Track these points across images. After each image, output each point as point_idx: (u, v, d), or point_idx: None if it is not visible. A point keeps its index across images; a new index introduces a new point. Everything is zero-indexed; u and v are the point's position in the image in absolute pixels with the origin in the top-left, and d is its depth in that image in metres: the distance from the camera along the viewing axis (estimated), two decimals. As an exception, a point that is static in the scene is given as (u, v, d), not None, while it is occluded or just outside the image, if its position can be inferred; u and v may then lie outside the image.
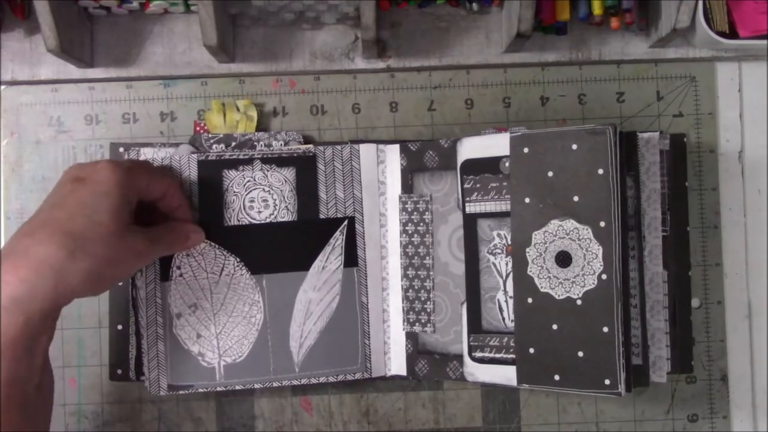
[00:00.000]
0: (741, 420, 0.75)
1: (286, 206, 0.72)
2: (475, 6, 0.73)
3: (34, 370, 0.57)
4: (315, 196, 0.73)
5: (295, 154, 0.72)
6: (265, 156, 0.72)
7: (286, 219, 0.72)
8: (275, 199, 0.72)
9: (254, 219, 0.72)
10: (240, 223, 0.71)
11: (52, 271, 0.55)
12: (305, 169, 0.73)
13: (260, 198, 0.72)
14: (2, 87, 0.75)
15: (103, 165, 0.60)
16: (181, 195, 0.68)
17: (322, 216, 0.73)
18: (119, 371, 0.73)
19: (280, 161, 0.72)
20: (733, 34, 0.71)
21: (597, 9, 0.71)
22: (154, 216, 0.68)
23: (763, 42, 0.71)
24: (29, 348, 0.56)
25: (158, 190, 0.65)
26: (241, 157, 0.72)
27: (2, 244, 0.74)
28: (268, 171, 0.72)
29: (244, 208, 0.72)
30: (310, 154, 0.73)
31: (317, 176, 0.73)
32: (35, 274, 0.55)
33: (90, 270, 0.57)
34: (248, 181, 0.72)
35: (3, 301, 0.54)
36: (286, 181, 0.72)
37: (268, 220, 0.72)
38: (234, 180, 0.71)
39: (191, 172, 0.71)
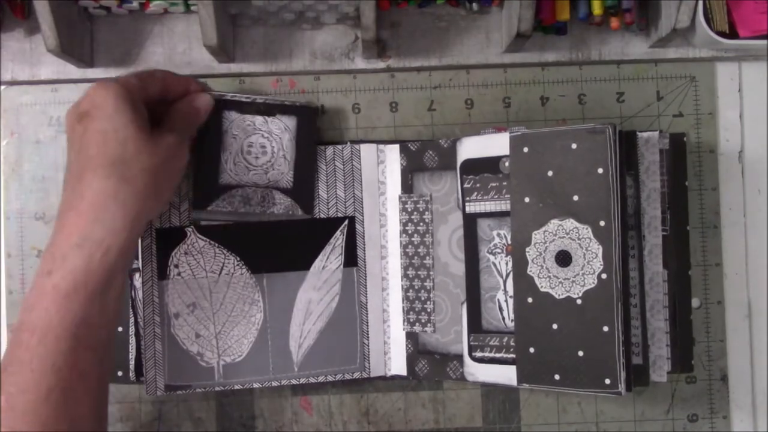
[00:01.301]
0: (741, 420, 0.75)
1: (284, 155, 0.72)
2: (475, 6, 0.73)
3: (107, 313, 0.58)
4: (313, 149, 0.73)
5: (297, 104, 0.72)
6: (267, 101, 0.72)
7: (282, 169, 0.72)
8: (273, 147, 0.72)
9: (251, 164, 0.71)
10: (237, 166, 0.71)
11: (115, 201, 0.57)
12: (306, 120, 0.72)
13: (259, 144, 0.71)
14: (2, 87, 0.75)
15: (95, 91, 0.59)
16: (197, 85, 0.68)
17: (322, 215, 0.73)
18: (120, 374, 0.73)
19: (282, 108, 0.72)
20: (733, 34, 0.71)
21: (597, 9, 0.71)
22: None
23: (763, 42, 0.71)
24: (104, 289, 0.57)
25: (178, 89, 0.66)
26: (243, 99, 0.71)
27: (3, 244, 0.74)
28: (269, 117, 0.71)
29: (242, 153, 0.71)
30: (313, 105, 0.73)
31: (316, 130, 0.74)
32: (101, 210, 0.56)
33: (145, 185, 0.58)
34: (248, 125, 0.71)
35: (75, 240, 0.56)
36: (286, 129, 0.72)
37: (264, 167, 0.71)
38: (234, 122, 0.71)
39: None
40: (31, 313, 0.55)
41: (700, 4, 0.69)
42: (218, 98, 0.70)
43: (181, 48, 0.74)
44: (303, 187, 0.72)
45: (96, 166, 0.57)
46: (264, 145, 0.71)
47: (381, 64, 0.75)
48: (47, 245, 0.57)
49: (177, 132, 0.63)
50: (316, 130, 0.73)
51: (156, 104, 0.64)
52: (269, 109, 0.71)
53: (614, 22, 0.72)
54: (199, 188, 0.71)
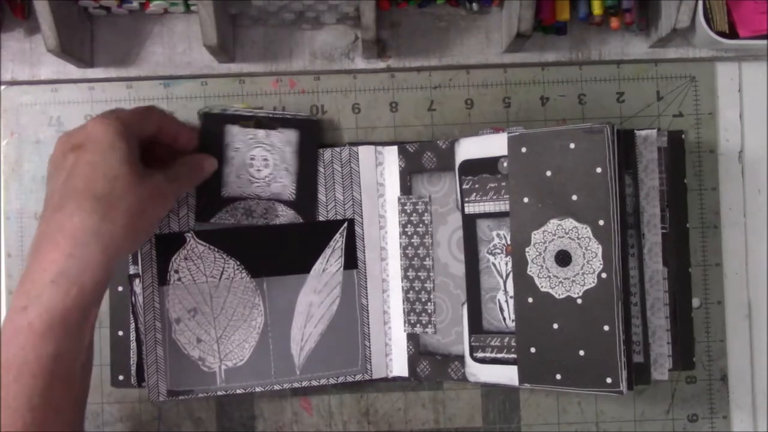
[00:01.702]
0: (741, 420, 0.75)
1: (286, 168, 0.72)
2: (475, 6, 0.74)
3: (81, 346, 0.57)
4: (315, 162, 0.73)
5: (298, 117, 0.73)
6: (269, 115, 0.72)
7: (284, 181, 0.72)
8: (275, 159, 0.72)
9: (253, 177, 0.71)
10: (240, 179, 0.71)
11: (95, 238, 0.56)
12: (308, 133, 0.73)
13: (261, 156, 0.72)
14: (2, 87, 0.75)
15: (93, 124, 0.59)
16: (190, 130, 0.69)
17: (321, 218, 0.73)
18: (121, 377, 0.73)
19: (283, 122, 0.72)
20: (733, 34, 0.71)
21: (597, 9, 0.71)
22: (157, 160, 0.67)
23: (763, 42, 0.71)
24: (80, 323, 0.56)
25: (170, 133, 0.66)
26: (244, 113, 0.71)
27: (3, 244, 0.74)
28: (270, 130, 0.72)
29: (245, 166, 0.71)
30: (314, 119, 0.73)
31: (318, 144, 0.73)
32: (79, 245, 0.56)
33: (127, 225, 0.58)
34: (250, 138, 0.71)
35: (52, 276, 0.55)
36: (288, 142, 0.72)
37: (266, 180, 0.72)
38: (236, 136, 0.71)
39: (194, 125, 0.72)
40: (7, 350, 0.55)
41: (700, 4, 0.69)
42: (220, 113, 0.71)
43: (181, 48, 0.74)
44: (305, 199, 0.73)
45: (81, 199, 0.56)
46: (266, 157, 0.72)
47: (381, 64, 0.75)
48: (22, 276, 0.57)
49: (175, 182, 0.64)
50: (317, 143, 0.73)
51: (147, 143, 0.64)
52: (271, 123, 0.72)
53: (614, 22, 0.72)
54: (201, 201, 0.71)
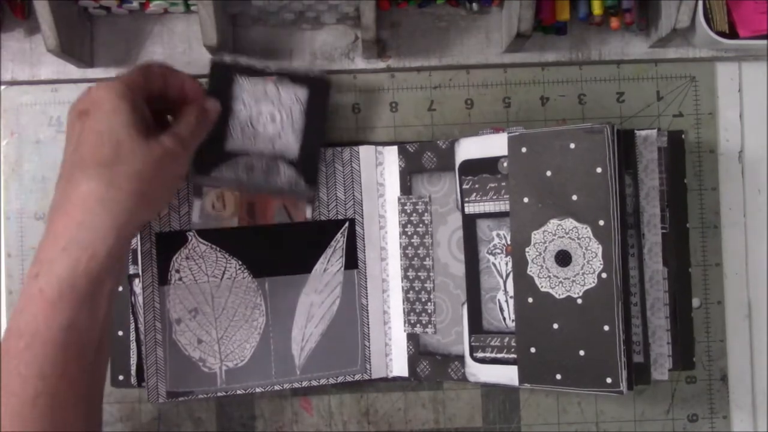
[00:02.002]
0: (741, 420, 0.75)
1: (293, 126, 0.70)
2: (475, 6, 0.74)
3: (96, 318, 0.57)
4: (322, 122, 0.72)
5: (310, 74, 0.71)
6: (281, 70, 0.70)
7: (289, 140, 0.70)
8: (283, 116, 0.70)
9: (258, 132, 0.70)
10: (244, 134, 0.70)
11: (101, 205, 0.55)
12: (318, 93, 0.71)
13: (268, 112, 0.70)
14: (2, 87, 0.75)
15: (97, 89, 0.58)
16: (194, 79, 0.66)
17: (323, 218, 0.73)
18: (121, 377, 0.73)
19: (293, 77, 0.70)
20: (733, 34, 0.71)
21: (597, 9, 0.71)
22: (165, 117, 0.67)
23: (763, 42, 0.71)
24: (92, 293, 0.56)
25: (176, 86, 0.64)
26: (256, 65, 0.70)
27: (3, 244, 0.74)
28: (280, 85, 0.70)
29: (250, 120, 0.70)
30: (326, 77, 0.71)
31: (328, 104, 0.72)
32: (87, 213, 0.55)
33: (135, 190, 0.57)
34: (259, 92, 0.70)
35: (63, 243, 0.55)
36: (297, 99, 0.70)
37: (271, 136, 0.70)
38: (245, 88, 0.69)
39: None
40: (19, 318, 0.55)
41: (700, 4, 0.69)
42: (232, 63, 0.69)
43: (181, 48, 0.74)
44: (309, 160, 0.71)
45: (86, 167, 0.56)
46: (273, 114, 0.70)
47: (381, 64, 0.75)
48: (38, 245, 0.57)
49: (183, 138, 0.62)
50: (327, 104, 0.72)
51: (156, 100, 0.63)
52: (281, 78, 0.70)
53: (614, 22, 0.72)
54: (202, 153, 0.67)
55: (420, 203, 0.72)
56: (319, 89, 0.71)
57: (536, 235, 0.67)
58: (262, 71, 0.70)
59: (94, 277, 0.55)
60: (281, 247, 0.72)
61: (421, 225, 0.72)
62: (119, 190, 0.56)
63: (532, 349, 0.67)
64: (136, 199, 0.57)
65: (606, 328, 0.63)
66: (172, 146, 0.60)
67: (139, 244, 0.70)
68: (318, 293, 0.72)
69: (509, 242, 0.69)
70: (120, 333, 0.73)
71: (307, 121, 0.71)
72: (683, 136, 0.75)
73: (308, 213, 0.73)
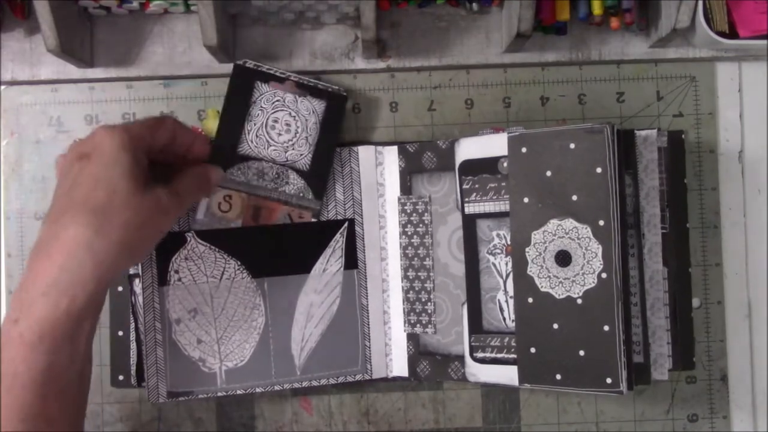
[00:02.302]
0: (741, 420, 0.75)
1: (307, 137, 0.71)
2: (475, 6, 0.74)
3: (76, 357, 0.57)
4: (335, 137, 0.72)
5: (329, 89, 0.72)
6: (300, 81, 0.71)
7: (302, 150, 0.71)
8: (298, 127, 0.71)
9: (272, 140, 0.71)
10: (258, 139, 0.71)
11: (87, 251, 0.55)
12: (334, 107, 0.72)
13: (284, 121, 0.71)
14: (2, 87, 0.75)
15: (101, 134, 0.58)
16: (204, 141, 0.68)
17: (322, 218, 0.73)
18: (121, 377, 0.73)
19: (313, 90, 0.72)
20: (733, 34, 0.71)
21: (597, 9, 0.71)
22: (169, 170, 0.66)
23: (763, 42, 0.71)
24: (71, 335, 0.55)
25: (185, 144, 0.65)
26: (277, 73, 0.71)
27: (3, 244, 0.74)
28: (299, 96, 0.71)
29: (266, 127, 0.71)
30: (343, 93, 0.72)
31: (343, 120, 0.73)
32: (71, 257, 0.54)
33: (122, 240, 0.56)
34: (278, 100, 0.71)
35: (43, 287, 0.54)
36: (313, 111, 0.71)
37: (285, 145, 0.71)
38: (264, 95, 0.71)
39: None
40: None
41: (700, 4, 0.69)
42: (254, 68, 0.71)
43: (181, 48, 0.74)
44: (319, 172, 0.72)
45: (77, 211, 0.56)
46: (289, 123, 0.71)
47: (381, 64, 0.75)
48: (18, 285, 0.56)
49: (179, 195, 0.62)
50: (342, 120, 0.73)
51: (161, 153, 0.64)
52: (301, 88, 0.71)
53: (614, 22, 0.72)
54: (216, 154, 0.69)
55: (420, 203, 0.72)
56: (335, 104, 0.72)
57: (536, 235, 0.67)
58: (283, 79, 0.71)
59: (74, 319, 0.55)
60: (280, 247, 0.72)
61: (421, 225, 0.72)
62: (106, 239, 0.56)
63: (532, 349, 0.67)
64: (121, 249, 0.57)
65: (606, 328, 0.63)
66: (167, 202, 0.60)
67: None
68: (317, 293, 0.72)
69: (509, 242, 0.69)
70: (120, 333, 0.73)
71: (321, 134, 0.72)
72: (683, 136, 0.75)
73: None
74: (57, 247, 0.55)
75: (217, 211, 0.72)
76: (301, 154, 0.71)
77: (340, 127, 0.73)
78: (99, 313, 0.59)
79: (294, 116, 0.71)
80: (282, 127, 0.71)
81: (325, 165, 0.72)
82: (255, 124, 0.70)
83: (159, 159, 0.64)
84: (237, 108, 0.70)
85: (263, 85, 0.71)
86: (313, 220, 0.73)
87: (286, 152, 0.71)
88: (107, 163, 0.57)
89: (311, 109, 0.71)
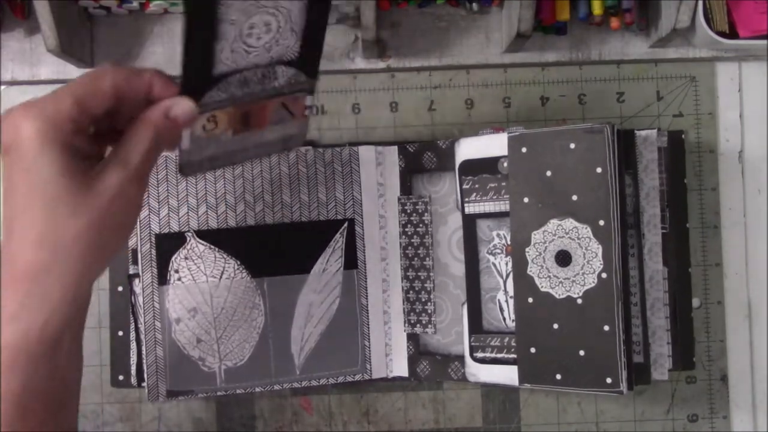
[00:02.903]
0: (741, 420, 0.75)
1: (292, 28, 0.56)
2: (475, 6, 0.74)
3: (56, 373, 0.51)
4: (326, 13, 0.58)
5: None
6: None
7: (287, 42, 0.56)
8: (279, 21, 0.55)
9: (251, 47, 0.55)
10: (234, 54, 0.54)
11: (49, 275, 0.48)
12: None
13: (262, 22, 0.54)
14: (2, 87, 0.75)
15: (17, 121, 0.47)
16: (166, 79, 0.52)
17: (321, 218, 0.73)
18: (121, 377, 0.73)
19: None
20: (733, 34, 0.71)
21: (597, 9, 0.71)
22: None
23: (763, 42, 0.71)
24: (50, 353, 0.50)
25: (138, 88, 0.51)
26: None
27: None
28: None
29: (241, 36, 0.54)
30: None
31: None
32: (35, 283, 0.48)
33: (85, 250, 0.48)
34: (250, 4, 0.53)
35: (12, 311, 0.48)
36: None
37: (267, 45, 0.55)
38: (232, 5, 0.52)
39: None
40: None
41: (700, 4, 0.69)
42: None
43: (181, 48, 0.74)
44: (310, 54, 0.59)
45: (25, 230, 0.47)
46: (269, 22, 0.55)
47: (381, 64, 0.75)
48: None
49: (132, 167, 0.49)
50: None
51: (116, 115, 0.52)
52: None
53: (614, 22, 0.72)
54: (187, 84, 0.54)
55: (420, 203, 0.72)
56: None
57: (536, 235, 0.67)
58: None
59: (48, 341, 0.49)
60: (280, 247, 0.72)
61: (421, 225, 0.72)
62: (67, 256, 0.48)
63: (532, 349, 0.67)
64: (87, 259, 0.48)
65: (606, 328, 0.63)
66: (118, 185, 0.49)
67: (139, 244, 0.70)
68: (317, 293, 0.72)
69: (509, 242, 0.69)
70: (120, 333, 0.73)
71: (309, 16, 0.57)
72: (683, 136, 0.75)
73: (308, 101, 0.61)
74: (18, 270, 0.48)
75: (203, 133, 0.57)
76: (288, 46, 0.57)
77: (329, 2, 0.58)
78: (83, 320, 0.53)
79: (273, 13, 0.55)
80: (261, 30, 0.55)
81: (316, 44, 0.59)
82: (227, 41, 0.54)
83: (113, 123, 0.52)
84: (199, 29, 0.52)
85: None
86: (308, 101, 0.61)
87: (269, 52, 0.57)
88: (29, 168, 0.47)
89: None
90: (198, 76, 0.54)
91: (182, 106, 0.52)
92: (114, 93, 0.49)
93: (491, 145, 0.69)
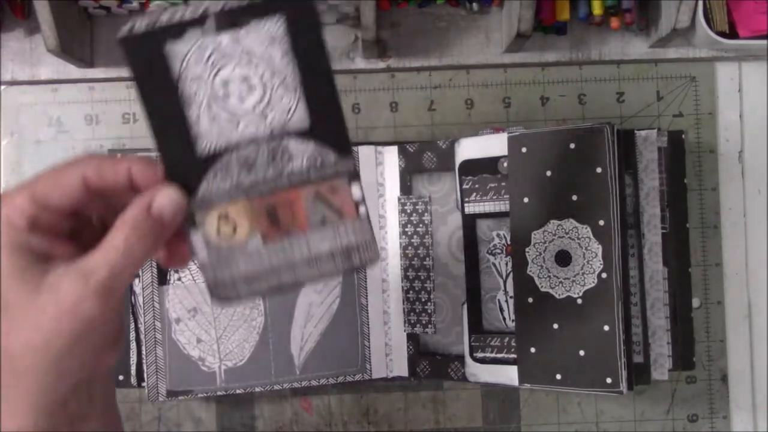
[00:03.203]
0: (741, 420, 0.75)
1: (284, 80, 0.44)
2: (475, 6, 0.74)
3: None
4: (323, 56, 0.44)
5: None
6: (226, 7, 0.43)
7: (285, 103, 0.45)
8: (262, 74, 0.44)
9: (236, 112, 0.45)
10: (216, 122, 0.44)
11: (7, 388, 0.40)
12: (300, 16, 0.43)
13: (237, 76, 0.44)
14: (2, 87, 0.75)
15: None
16: (146, 162, 0.44)
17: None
18: (121, 377, 0.73)
19: (254, 10, 0.43)
20: (733, 34, 0.71)
21: (597, 9, 0.71)
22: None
23: (763, 42, 0.71)
24: None
25: (114, 175, 0.43)
26: (186, 16, 0.42)
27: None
28: (237, 31, 0.43)
29: (216, 99, 0.44)
30: None
31: (320, 26, 0.44)
32: (24, 412, 0.41)
33: (42, 361, 0.40)
34: (211, 54, 0.43)
35: None
36: (272, 40, 0.44)
37: (258, 109, 0.45)
38: (188, 58, 0.43)
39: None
40: None
41: (700, 4, 0.69)
42: (149, 30, 0.42)
43: (181, 48, 0.74)
44: (327, 117, 0.46)
45: None
46: (246, 75, 0.44)
47: (381, 64, 0.75)
48: None
49: (92, 280, 0.40)
50: (320, 26, 0.44)
51: (94, 206, 0.45)
52: (234, 17, 0.43)
53: (614, 22, 0.72)
54: (171, 171, 0.45)
55: (420, 203, 0.72)
56: (297, 9, 0.44)
57: (536, 235, 0.67)
58: (201, 19, 0.43)
59: None
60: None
61: (421, 225, 0.72)
62: (22, 368, 0.40)
63: (532, 349, 0.67)
64: (50, 371, 0.40)
65: (606, 328, 0.63)
66: (71, 301, 0.40)
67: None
68: (317, 293, 0.72)
69: (509, 242, 0.69)
70: (124, 333, 0.73)
71: (301, 64, 0.44)
72: (683, 136, 0.75)
73: (356, 194, 0.47)
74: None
75: (218, 239, 0.47)
76: (289, 110, 0.45)
77: (322, 36, 0.44)
78: (82, 419, 0.44)
79: (248, 63, 0.44)
80: (239, 87, 0.44)
81: (330, 101, 0.46)
82: (200, 106, 0.44)
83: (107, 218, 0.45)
84: (161, 99, 0.44)
85: (178, 45, 0.43)
86: (356, 192, 0.47)
87: (265, 119, 0.45)
88: None
89: (266, 38, 0.44)
90: (180, 157, 0.45)
91: (165, 196, 0.43)
92: (83, 186, 0.43)
93: (491, 145, 0.69)
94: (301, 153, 0.46)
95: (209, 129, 0.45)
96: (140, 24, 0.42)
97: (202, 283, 0.71)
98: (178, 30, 0.43)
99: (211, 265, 0.46)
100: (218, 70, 0.44)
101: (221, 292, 0.47)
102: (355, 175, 0.47)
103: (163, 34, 0.43)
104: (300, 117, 0.45)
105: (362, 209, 0.47)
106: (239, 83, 0.44)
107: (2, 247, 0.40)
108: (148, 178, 0.43)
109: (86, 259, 0.41)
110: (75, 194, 0.42)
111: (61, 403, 0.42)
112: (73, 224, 0.44)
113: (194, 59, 0.43)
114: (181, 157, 0.45)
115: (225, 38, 0.43)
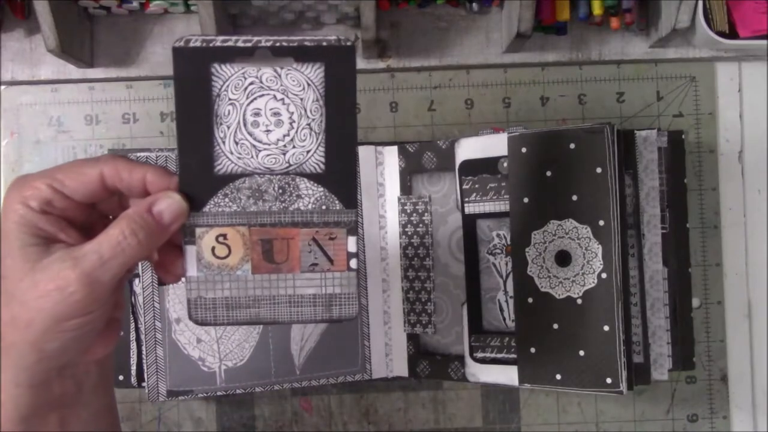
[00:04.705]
0: (741, 420, 0.75)
1: (309, 124, 0.48)
2: (475, 6, 0.74)
3: None
4: (351, 110, 0.48)
5: (324, 43, 0.47)
6: (278, 44, 0.46)
7: (306, 145, 0.48)
8: (292, 113, 0.48)
9: (260, 142, 0.48)
10: (240, 146, 0.47)
11: (13, 381, 0.43)
12: (339, 67, 0.47)
13: (269, 109, 0.48)
14: (2, 87, 0.75)
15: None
16: (162, 172, 0.46)
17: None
18: (121, 377, 0.73)
19: (301, 52, 0.47)
20: (733, 34, 0.71)
21: (597, 9, 0.71)
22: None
23: (763, 42, 0.71)
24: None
25: (129, 180, 0.45)
26: (239, 44, 0.46)
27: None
28: (281, 68, 0.47)
29: (245, 126, 0.47)
30: (348, 43, 0.47)
31: (355, 83, 0.48)
32: (6, 384, 0.43)
33: (27, 335, 0.42)
34: (251, 83, 0.47)
35: None
36: (309, 84, 0.47)
37: (280, 144, 0.48)
38: (230, 81, 0.47)
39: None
40: None
41: (700, 4, 0.69)
42: (203, 47, 0.46)
43: (181, 48, 0.74)
44: (341, 169, 0.49)
45: None
46: (278, 111, 0.48)
47: (381, 64, 0.75)
48: None
49: (81, 266, 0.42)
50: (354, 83, 0.48)
51: (112, 205, 0.48)
52: (282, 54, 0.47)
53: (614, 22, 0.72)
54: (186, 180, 0.47)
55: (420, 203, 0.72)
56: (340, 62, 0.47)
57: (536, 235, 0.67)
58: (251, 49, 0.47)
59: (12, 423, 0.44)
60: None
61: (421, 225, 0.72)
62: (11, 336, 0.42)
63: (532, 350, 0.67)
64: (36, 352, 0.43)
65: (606, 328, 0.63)
66: (55, 282, 0.41)
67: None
68: (318, 293, 0.72)
69: (509, 242, 0.69)
70: (120, 333, 0.73)
71: (329, 112, 0.48)
72: (683, 136, 0.74)
73: (351, 246, 0.49)
74: None
75: (213, 259, 0.48)
76: (308, 151, 0.48)
77: (353, 93, 0.48)
78: (69, 407, 0.47)
79: (282, 99, 0.48)
80: (268, 120, 0.48)
81: (347, 155, 0.49)
82: (229, 127, 0.47)
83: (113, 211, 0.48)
84: (195, 111, 0.47)
85: (224, 67, 0.46)
86: (351, 244, 0.49)
87: (284, 154, 0.48)
88: None
89: (304, 81, 0.47)
90: (197, 169, 0.47)
91: (169, 200, 0.45)
92: (101, 182, 0.45)
93: (491, 145, 0.69)
94: (310, 195, 0.49)
95: (231, 151, 0.48)
96: (196, 39, 0.46)
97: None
98: (228, 54, 0.46)
99: (197, 281, 0.48)
100: (253, 99, 0.47)
101: (200, 313, 0.49)
102: (354, 229, 0.49)
103: (214, 55, 0.46)
104: (316, 161, 0.48)
105: (353, 263, 0.49)
106: (269, 116, 0.48)
107: (13, 222, 0.42)
108: (162, 186, 0.46)
109: (82, 246, 0.43)
110: (91, 187, 0.44)
111: (43, 382, 0.44)
112: (88, 216, 0.46)
113: (235, 84, 0.47)
114: (198, 170, 0.47)
115: (267, 72, 0.47)
